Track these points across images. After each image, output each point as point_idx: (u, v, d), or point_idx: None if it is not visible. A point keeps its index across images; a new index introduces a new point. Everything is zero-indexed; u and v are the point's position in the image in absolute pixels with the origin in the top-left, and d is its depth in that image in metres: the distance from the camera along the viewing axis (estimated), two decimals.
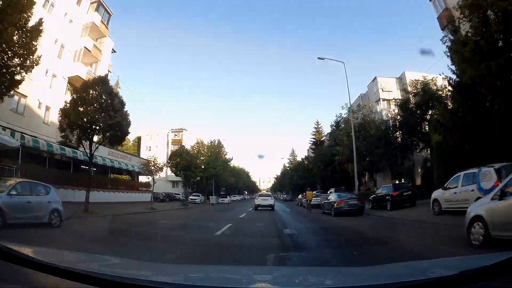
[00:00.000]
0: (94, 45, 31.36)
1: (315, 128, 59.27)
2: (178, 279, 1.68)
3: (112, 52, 37.97)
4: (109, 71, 37.40)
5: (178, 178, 52.25)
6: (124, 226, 10.50)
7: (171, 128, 54.81)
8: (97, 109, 15.20)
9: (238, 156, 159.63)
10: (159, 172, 23.48)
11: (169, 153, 37.87)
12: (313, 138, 58.49)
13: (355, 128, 29.95)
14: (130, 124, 16.64)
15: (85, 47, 30.05)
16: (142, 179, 59.69)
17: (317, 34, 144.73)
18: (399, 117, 27.53)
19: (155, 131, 56.21)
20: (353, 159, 30.47)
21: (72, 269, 1.28)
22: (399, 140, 28.00)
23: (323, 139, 57.36)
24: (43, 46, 25.17)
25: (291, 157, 76.36)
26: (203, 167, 36.49)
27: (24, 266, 1.24)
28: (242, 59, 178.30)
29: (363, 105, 32.94)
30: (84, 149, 16.70)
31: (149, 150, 53.33)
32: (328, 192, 27.54)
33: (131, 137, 65.55)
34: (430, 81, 24.72)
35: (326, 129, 58.69)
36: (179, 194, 43.24)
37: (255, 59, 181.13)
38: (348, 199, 16.08)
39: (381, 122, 29.56)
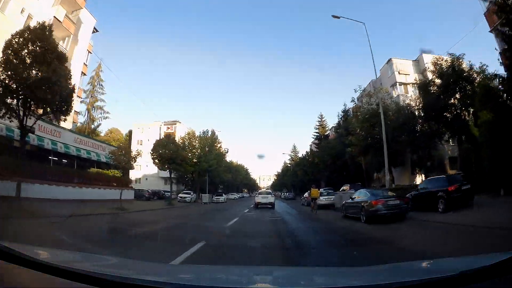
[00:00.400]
0: (66, 15, 26.21)
1: (319, 121, 54.23)
2: (178, 279, 1.61)
3: (94, 32, 33.25)
4: (89, 52, 32.54)
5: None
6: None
7: (164, 121, 49.60)
8: (23, 63, 10.04)
9: (237, 155, 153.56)
10: (132, 162, 18.18)
11: None
12: (317, 132, 53.39)
13: (370, 114, 24.96)
14: (73, 90, 11.40)
15: (55, 17, 25.00)
16: (134, 173, 54.97)
17: (319, 24, 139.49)
18: (421, 100, 22.78)
19: (147, 124, 50.98)
20: (368, 151, 25.44)
21: (72, 269, 1.23)
22: (424, 127, 22.97)
23: (327, 133, 52.43)
24: (7, 16, 20.49)
25: (292, 154, 71.03)
26: (195, 160, 31.18)
27: (24, 266, 1.19)
28: (240, 52, 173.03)
29: (379, 88, 27.57)
30: (21, 121, 11.42)
31: (140, 144, 48.14)
32: (341, 189, 22.35)
33: (123, 131, 60.40)
34: (456, 60, 19.83)
35: (330, 123, 53.86)
36: (170, 192, 37.90)
37: (254, 52, 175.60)
38: (387, 198, 10.79)
39: (405, 106, 24.35)
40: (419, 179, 29.30)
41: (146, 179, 49.52)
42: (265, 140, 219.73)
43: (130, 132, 53.62)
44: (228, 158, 65.52)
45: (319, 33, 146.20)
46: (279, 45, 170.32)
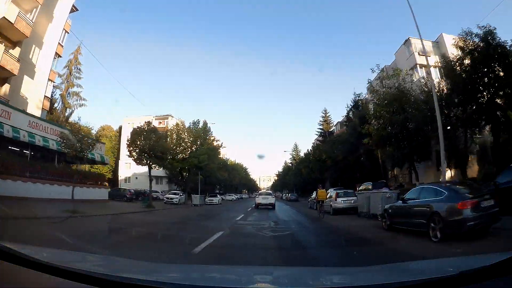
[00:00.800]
0: None
1: (323, 117, 49.69)
2: (178, 279, 1.59)
3: (72, 11, 28.97)
4: (66, 31, 28.13)
5: (162, 173, 42.31)
6: None
7: (155, 115, 44.86)
8: None
9: (237, 155, 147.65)
10: (89, 150, 13.51)
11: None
12: (320, 129, 48.83)
13: (389, 99, 20.48)
14: None
15: None
16: (124, 172, 50.23)
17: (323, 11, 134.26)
18: (448, 82, 18.65)
19: (138, 118, 46.26)
20: (388, 142, 20.84)
21: (72, 269, 1.20)
22: (459, 111, 18.52)
23: (332, 129, 47.90)
24: None
25: (294, 153, 66.26)
26: (184, 155, 26.46)
27: (24, 266, 1.16)
28: (239, 51, 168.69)
29: (398, 69, 22.99)
30: None
31: None
32: (361, 188, 17.67)
33: (114, 126, 55.68)
34: (490, 33, 15.68)
35: (335, 119, 49.40)
36: (158, 192, 33.20)
37: (253, 51, 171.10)
38: (479, 196, 6.12)
39: (437, 87, 19.75)
40: (446, 175, 24.52)
41: (136, 178, 44.85)
42: (265, 140, 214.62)
43: (120, 128, 49.03)
44: (226, 157, 60.90)
45: (319, 31, 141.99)
46: (279, 43, 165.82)
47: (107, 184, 23.07)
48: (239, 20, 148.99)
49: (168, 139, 23.53)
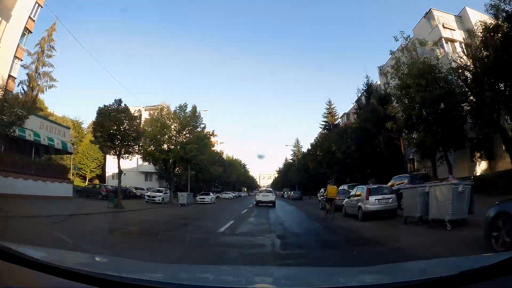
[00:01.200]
0: None
1: (327, 109, 45.44)
2: (178, 279, 1.53)
3: None
4: (39, 5, 24.06)
5: (152, 169, 38.03)
6: None
7: (146, 105, 40.43)
8: None
9: (237, 154, 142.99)
10: (16, 125, 9.22)
11: None
12: (325, 121, 44.65)
13: (421, 71, 16.37)
14: None
15: None
16: (111, 168, 45.83)
17: None
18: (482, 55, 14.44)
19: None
20: (415, 125, 16.66)
21: (72, 269, 1.16)
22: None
23: (337, 122, 43.71)
24: None
25: (295, 148, 61.96)
26: (169, 146, 22.15)
27: (24, 266, 1.13)
28: (238, 47, 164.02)
29: (423, 40, 18.77)
30: None
31: None
32: (390, 184, 13.40)
33: None
34: None
35: (340, 110, 45.15)
36: (143, 189, 28.93)
37: (251, 48, 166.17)
38: None
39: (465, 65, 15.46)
40: (479, 168, 20.15)
41: (124, 174, 40.29)
42: (265, 140, 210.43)
43: None
44: (224, 154, 56.55)
45: (319, 29, 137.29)
46: (278, 42, 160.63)
47: (71, 178, 18.92)
48: (239, 19, 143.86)
49: (144, 123, 19.16)
